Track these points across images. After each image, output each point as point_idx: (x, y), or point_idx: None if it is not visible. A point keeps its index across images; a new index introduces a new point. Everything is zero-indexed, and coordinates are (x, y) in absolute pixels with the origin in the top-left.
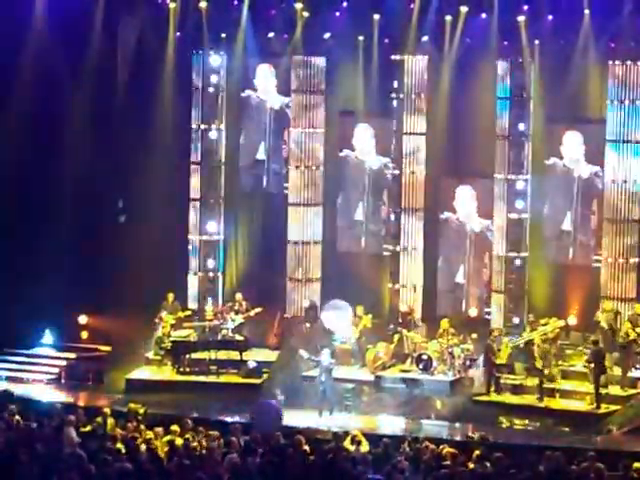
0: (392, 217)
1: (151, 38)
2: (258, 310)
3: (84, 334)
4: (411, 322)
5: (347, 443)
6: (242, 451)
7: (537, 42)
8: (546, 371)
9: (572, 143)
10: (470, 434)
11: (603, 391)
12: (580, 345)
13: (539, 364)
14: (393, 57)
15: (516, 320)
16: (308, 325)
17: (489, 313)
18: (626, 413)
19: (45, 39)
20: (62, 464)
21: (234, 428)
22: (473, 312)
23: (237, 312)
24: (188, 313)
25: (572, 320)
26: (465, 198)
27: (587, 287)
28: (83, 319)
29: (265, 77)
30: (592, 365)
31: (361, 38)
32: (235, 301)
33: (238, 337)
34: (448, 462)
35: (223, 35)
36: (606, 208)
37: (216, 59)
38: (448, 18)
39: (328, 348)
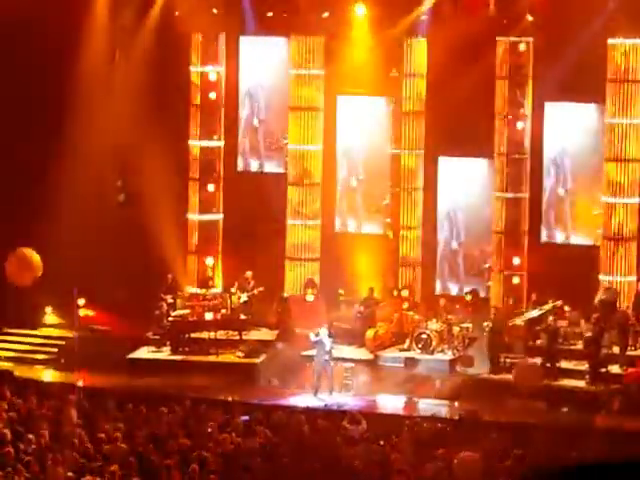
0: (391, 197)
1: (150, 18)
2: (261, 289)
3: (84, 314)
4: (410, 301)
5: (346, 422)
6: (242, 431)
7: (536, 20)
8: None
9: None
10: (461, 412)
11: (602, 370)
12: (579, 324)
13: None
14: (392, 37)
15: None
16: (310, 297)
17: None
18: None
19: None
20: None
21: (234, 408)
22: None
23: (244, 290)
24: (187, 293)
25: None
26: (463, 177)
27: (586, 267)
28: (82, 299)
29: (263, 56)
30: (589, 343)
31: (360, 17)
32: (245, 278)
33: (243, 316)
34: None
35: (215, 11)
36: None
37: (215, 36)
38: None
39: (326, 328)
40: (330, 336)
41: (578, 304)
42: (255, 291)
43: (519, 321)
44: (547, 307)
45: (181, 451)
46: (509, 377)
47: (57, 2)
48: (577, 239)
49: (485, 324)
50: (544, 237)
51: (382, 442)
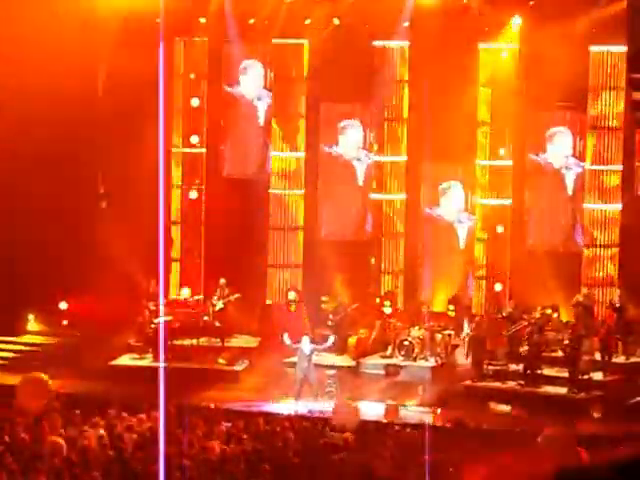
0: (373, 203)
1: (133, 24)
2: (237, 295)
3: (65, 320)
4: (393, 308)
5: (330, 429)
6: (225, 438)
7: (519, 27)
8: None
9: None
10: (449, 420)
11: (585, 377)
12: (561, 331)
13: (524, 351)
14: (374, 43)
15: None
16: (293, 308)
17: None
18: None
19: None
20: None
21: (217, 415)
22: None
23: (219, 297)
24: (170, 299)
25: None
26: (445, 183)
27: (569, 273)
28: (64, 305)
29: (246, 62)
30: (569, 350)
31: (342, 24)
32: (219, 286)
33: (217, 323)
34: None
35: (203, 20)
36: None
37: (198, 45)
38: (429, 3)
39: (308, 335)
40: (312, 342)
41: (560, 310)
42: (231, 297)
43: (513, 330)
44: (536, 315)
45: (163, 458)
46: (493, 384)
47: None
48: (560, 246)
49: (466, 331)
50: (527, 244)
51: (365, 449)
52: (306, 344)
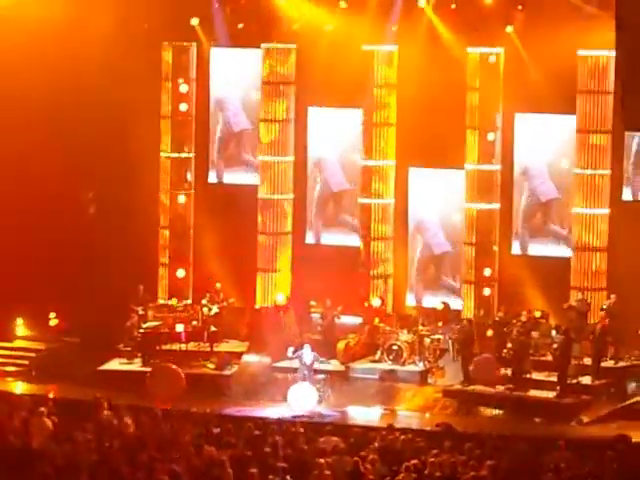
0: (362, 208)
1: (121, 29)
2: (231, 300)
3: (54, 326)
4: (381, 312)
5: (319, 434)
6: (215, 443)
7: (508, 31)
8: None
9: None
10: (436, 424)
11: (573, 381)
12: (550, 335)
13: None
14: (363, 47)
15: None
16: (282, 313)
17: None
18: None
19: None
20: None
21: (207, 420)
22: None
23: (214, 302)
24: (158, 304)
25: (537, 313)
26: (435, 188)
27: (558, 278)
28: (53, 311)
29: (235, 67)
30: (558, 354)
31: (330, 28)
32: (214, 290)
33: (213, 328)
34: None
35: (194, 23)
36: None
37: (186, 48)
38: (418, 7)
39: (309, 344)
40: (313, 351)
41: (549, 315)
42: (225, 303)
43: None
44: (522, 318)
45: (151, 463)
46: (481, 388)
47: None
48: (548, 250)
49: (453, 334)
50: (515, 248)
51: (353, 453)
52: (307, 352)
